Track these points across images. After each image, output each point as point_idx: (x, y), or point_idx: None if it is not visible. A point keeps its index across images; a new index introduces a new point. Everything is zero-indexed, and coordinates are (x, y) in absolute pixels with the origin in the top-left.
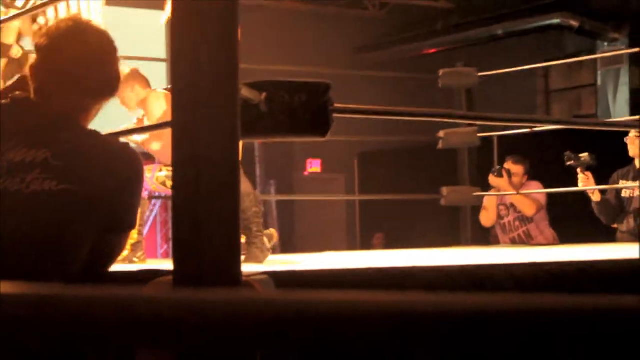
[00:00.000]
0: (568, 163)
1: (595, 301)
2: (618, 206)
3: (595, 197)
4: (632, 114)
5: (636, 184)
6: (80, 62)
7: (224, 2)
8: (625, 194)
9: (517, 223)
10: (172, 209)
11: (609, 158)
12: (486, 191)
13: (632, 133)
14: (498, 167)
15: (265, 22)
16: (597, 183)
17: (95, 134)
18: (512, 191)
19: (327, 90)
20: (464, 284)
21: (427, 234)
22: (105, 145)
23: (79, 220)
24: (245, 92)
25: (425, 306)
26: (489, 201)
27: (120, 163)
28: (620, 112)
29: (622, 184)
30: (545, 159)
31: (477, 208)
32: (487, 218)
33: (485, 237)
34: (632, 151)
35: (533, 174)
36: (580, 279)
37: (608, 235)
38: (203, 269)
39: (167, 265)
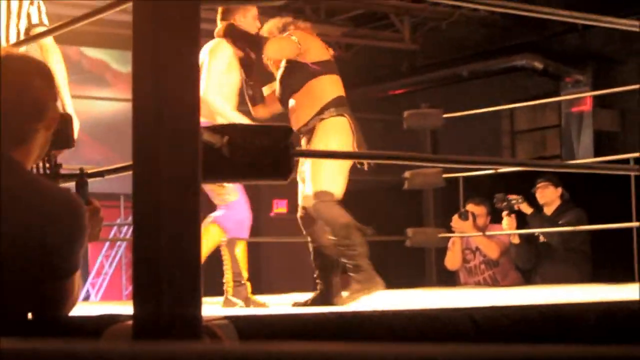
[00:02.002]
0: (496, 205)
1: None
2: (535, 251)
3: (515, 240)
4: (596, 155)
5: (551, 229)
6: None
7: (186, 46)
8: (543, 239)
9: (482, 266)
10: (133, 253)
11: (571, 197)
12: (451, 232)
13: (539, 183)
14: (463, 210)
15: None
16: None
17: (33, 179)
18: (475, 235)
19: (288, 134)
20: (426, 328)
21: (393, 274)
22: (42, 191)
23: (14, 268)
24: (206, 136)
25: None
26: (454, 244)
27: (57, 209)
28: (584, 154)
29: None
30: None
31: (443, 249)
32: (452, 261)
33: (452, 277)
34: (543, 199)
35: (495, 215)
36: (542, 323)
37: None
38: (163, 314)
39: (130, 308)
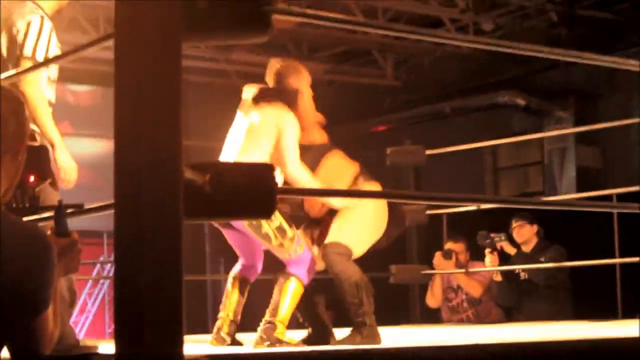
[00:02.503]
0: (479, 242)
1: None
2: (516, 289)
3: (497, 277)
4: (578, 191)
5: (535, 266)
6: None
7: (168, 83)
8: (523, 276)
9: (465, 304)
10: (114, 291)
11: (554, 234)
12: (433, 270)
13: (514, 223)
14: (447, 249)
15: (217, 99)
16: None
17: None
18: (459, 272)
19: (271, 171)
20: None
21: (376, 311)
22: (6, 226)
23: None
24: (189, 174)
25: None
26: (435, 282)
27: (20, 245)
28: (567, 190)
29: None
30: None
31: (426, 286)
32: (432, 300)
33: (435, 314)
34: (520, 238)
35: (475, 252)
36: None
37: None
38: (144, 353)
39: (113, 346)
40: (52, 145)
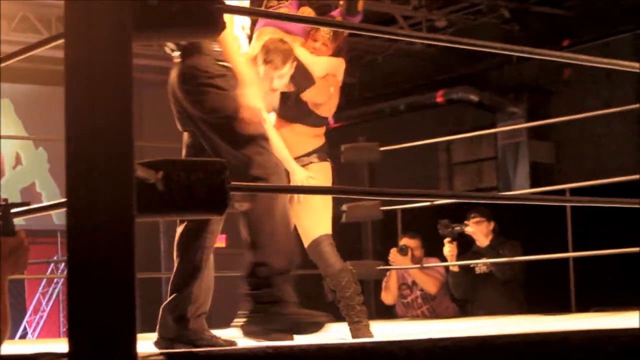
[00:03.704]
0: (440, 231)
1: None
2: (471, 282)
3: (454, 268)
4: (532, 186)
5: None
6: None
7: (119, 78)
8: (479, 270)
9: (420, 301)
10: (67, 289)
11: (508, 228)
12: (389, 265)
13: (471, 219)
14: (402, 245)
15: (167, 98)
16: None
17: None
18: (414, 267)
19: (223, 168)
20: None
21: (332, 307)
22: None
23: None
24: (141, 172)
25: None
26: (390, 279)
27: None
28: (520, 185)
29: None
30: None
31: (381, 282)
32: (388, 296)
33: (390, 310)
34: (476, 233)
35: (430, 248)
36: (479, 354)
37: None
38: (97, 352)
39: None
40: (241, 83)
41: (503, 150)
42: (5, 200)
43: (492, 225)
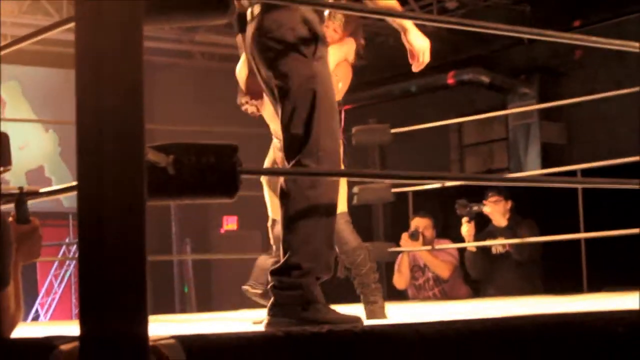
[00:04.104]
0: (458, 211)
1: None
2: (487, 263)
3: (471, 248)
4: (543, 167)
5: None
6: None
7: (129, 62)
8: (495, 251)
9: (431, 283)
10: (78, 271)
11: (520, 208)
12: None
13: (490, 197)
14: (414, 229)
15: (179, 80)
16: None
17: None
18: (425, 251)
19: (234, 151)
20: (374, 344)
21: (344, 289)
22: None
23: None
24: (151, 156)
25: None
26: (402, 264)
27: None
28: (531, 166)
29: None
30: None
31: (393, 263)
32: (400, 281)
33: (402, 291)
34: (494, 212)
35: (442, 229)
36: (490, 337)
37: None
38: (108, 334)
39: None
40: (404, 30)
41: (514, 132)
42: (20, 188)
43: (509, 204)
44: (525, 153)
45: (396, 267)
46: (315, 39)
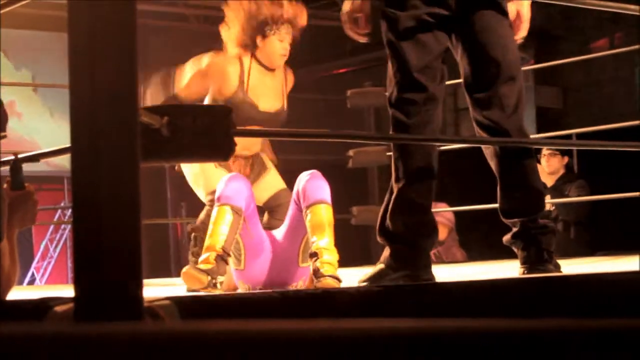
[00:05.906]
0: None
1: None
2: None
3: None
4: (538, 131)
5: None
6: None
7: (123, 25)
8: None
9: None
10: (72, 234)
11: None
12: None
13: (545, 151)
14: None
15: (172, 44)
16: None
17: None
18: None
19: (228, 114)
20: (372, 305)
21: (338, 252)
22: None
23: None
24: (145, 117)
25: (315, 334)
26: None
27: None
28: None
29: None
30: (457, 177)
31: None
32: None
33: None
34: (549, 167)
35: (438, 192)
36: (485, 297)
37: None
38: (103, 295)
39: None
40: None
41: None
42: (15, 154)
43: (565, 160)
44: None
45: None
46: None
